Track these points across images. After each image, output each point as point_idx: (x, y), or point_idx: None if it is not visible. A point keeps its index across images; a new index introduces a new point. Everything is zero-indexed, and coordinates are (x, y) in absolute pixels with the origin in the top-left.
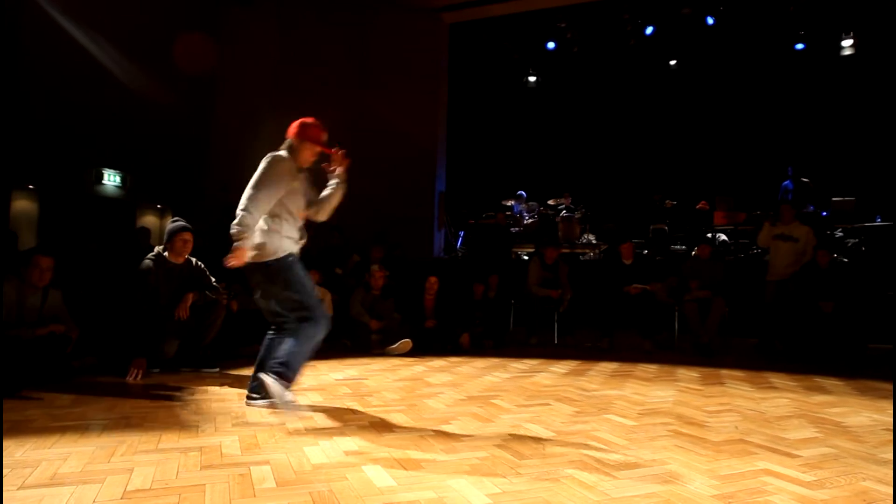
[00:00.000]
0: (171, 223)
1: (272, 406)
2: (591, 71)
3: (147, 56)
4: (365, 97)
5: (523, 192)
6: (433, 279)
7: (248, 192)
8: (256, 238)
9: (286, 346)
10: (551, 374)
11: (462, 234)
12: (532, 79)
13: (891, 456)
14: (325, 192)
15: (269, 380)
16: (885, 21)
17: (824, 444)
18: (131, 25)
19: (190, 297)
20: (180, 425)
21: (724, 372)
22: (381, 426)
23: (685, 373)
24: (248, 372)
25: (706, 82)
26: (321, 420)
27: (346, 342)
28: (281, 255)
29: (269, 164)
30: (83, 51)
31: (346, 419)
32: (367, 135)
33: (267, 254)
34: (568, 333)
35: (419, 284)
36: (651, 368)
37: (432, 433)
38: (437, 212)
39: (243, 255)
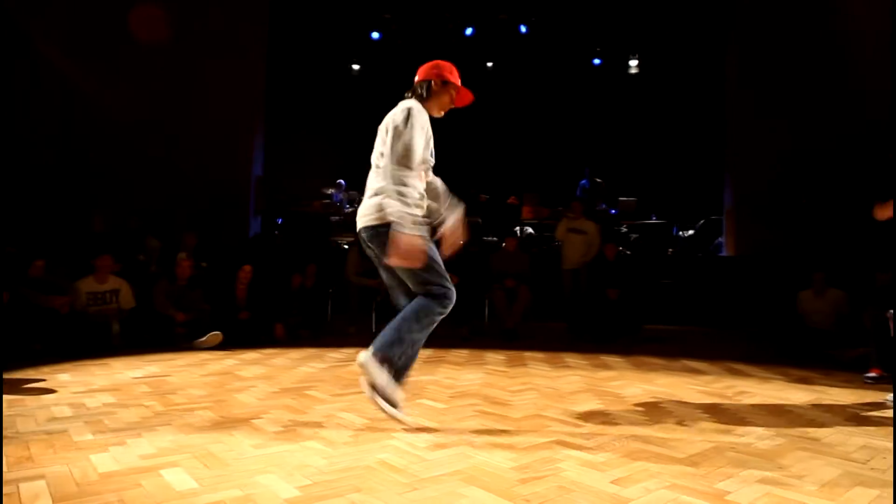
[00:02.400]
0: None
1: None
2: (413, 65)
3: None
4: (177, 71)
5: (343, 181)
6: (247, 268)
7: (395, 153)
8: (379, 200)
9: (399, 317)
10: None
11: (280, 221)
12: (356, 67)
13: (648, 417)
14: (438, 205)
15: (368, 361)
16: (663, 48)
17: (605, 414)
18: None
19: None
20: None
21: (528, 354)
22: (184, 425)
23: (493, 356)
24: None
25: (518, 86)
26: (113, 423)
27: (147, 336)
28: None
29: (414, 115)
30: None
31: (144, 421)
32: (178, 111)
33: (381, 217)
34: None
35: (232, 273)
36: (462, 353)
37: (241, 429)
38: (253, 197)
39: (418, 243)
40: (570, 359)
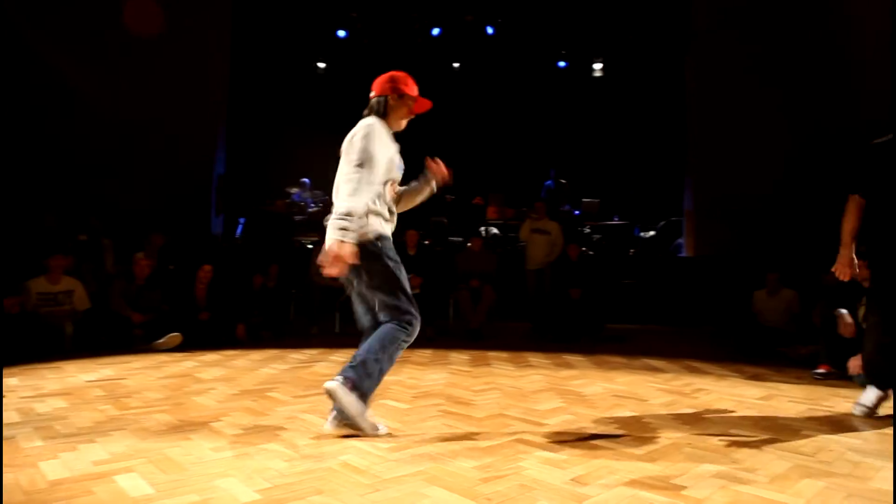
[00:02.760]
0: None
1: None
2: (379, 64)
3: None
4: (137, 67)
5: (307, 180)
6: (207, 267)
7: (348, 174)
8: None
9: (365, 345)
10: (331, 363)
11: (243, 221)
12: (321, 65)
13: (617, 414)
14: (413, 185)
15: (338, 388)
16: (626, 53)
17: (567, 412)
18: None
19: None
20: None
21: (492, 354)
22: (139, 430)
23: (457, 356)
24: None
25: (484, 87)
26: (64, 429)
27: (103, 338)
28: (370, 236)
29: (368, 133)
30: None
31: (97, 425)
32: (138, 108)
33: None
34: (349, 322)
35: (192, 273)
36: (426, 353)
37: (200, 432)
38: (214, 196)
39: (347, 252)
40: (534, 358)
